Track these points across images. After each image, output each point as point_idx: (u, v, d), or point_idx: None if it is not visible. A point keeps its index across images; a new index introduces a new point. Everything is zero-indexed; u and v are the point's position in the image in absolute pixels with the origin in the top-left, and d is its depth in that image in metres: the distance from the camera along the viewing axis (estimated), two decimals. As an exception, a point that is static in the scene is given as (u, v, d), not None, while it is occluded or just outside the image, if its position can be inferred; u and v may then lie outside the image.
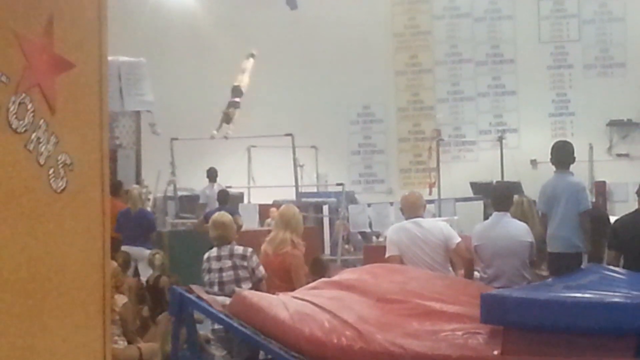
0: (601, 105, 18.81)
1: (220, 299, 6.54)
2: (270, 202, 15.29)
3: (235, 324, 5.91)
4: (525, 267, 7.23)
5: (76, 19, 3.60)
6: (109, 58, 3.90)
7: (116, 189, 12.00)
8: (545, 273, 7.78)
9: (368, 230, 15.07)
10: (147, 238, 11.32)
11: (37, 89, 3.27)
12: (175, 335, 6.83)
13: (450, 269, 7.51)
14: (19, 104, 3.17)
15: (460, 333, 5.27)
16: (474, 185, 16.58)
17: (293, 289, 6.83)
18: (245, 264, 7.19)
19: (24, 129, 3.20)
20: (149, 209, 13.41)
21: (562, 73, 19.71)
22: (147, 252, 10.42)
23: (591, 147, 18.68)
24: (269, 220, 13.69)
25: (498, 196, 7.71)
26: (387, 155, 20.71)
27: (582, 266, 7.27)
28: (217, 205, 13.01)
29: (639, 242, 6.77)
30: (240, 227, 11.14)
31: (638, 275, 5.99)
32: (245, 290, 6.55)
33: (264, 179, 16.97)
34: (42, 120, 3.29)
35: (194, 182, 16.43)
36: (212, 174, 15.16)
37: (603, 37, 19.50)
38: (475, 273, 7.49)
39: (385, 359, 5.07)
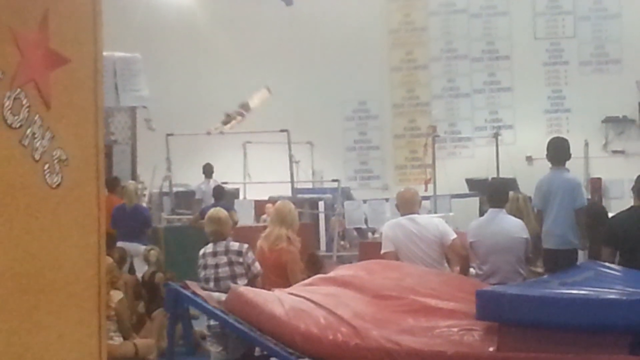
0: (597, 101, 18.80)
1: (216, 295, 6.54)
2: (266, 198, 15.28)
3: (231, 320, 5.92)
4: (521, 264, 7.23)
5: (71, 14, 3.59)
6: (104, 53, 3.89)
7: (113, 185, 11.99)
8: (540, 270, 7.79)
9: (364, 226, 15.05)
10: (142, 234, 11.31)
11: (32, 84, 3.27)
12: (171, 331, 6.84)
13: (446, 265, 7.52)
14: (14, 99, 3.17)
15: (455, 329, 5.28)
16: (469, 182, 16.58)
17: (288, 285, 6.83)
18: (241, 260, 7.19)
19: (19, 124, 3.20)
20: (144, 204, 13.40)
21: (558, 69, 19.71)
22: (143, 248, 10.42)
23: (587, 144, 18.69)
24: (264, 216, 13.69)
25: (493, 192, 7.70)
26: (382, 152, 20.70)
27: (578, 263, 7.29)
28: (212, 201, 13.00)
29: (634, 238, 6.78)
30: (235, 223, 11.14)
31: (633, 272, 6.00)
32: (241, 287, 6.55)
33: (260, 175, 16.96)
34: (37, 116, 3.29)
35: (190, 178, 16.42)
36: (207, 170, 15.16)
37: (599, 33, 19.50)
38: (471, 269, 7.50)
39: (381, 355, 5.07)
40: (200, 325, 8.22)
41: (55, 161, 3.40)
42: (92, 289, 3.67)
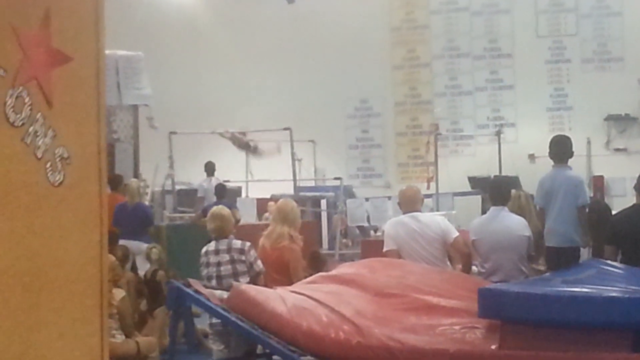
0: (599, 99, 18.78)
1: (218, 293, 6.54)
2: (268, 196, 15.27)
3: (233, 318, 5.92)
4: (523, 262, 7.22)
5: (73, 12, 3.59)
6: (107, 51, 3.89)
7: (116, 183, 12.00)
8: (542, 267, 7.78)
9: (366, 224, 15.04)
10: (144, 232, 11.30)
11: (35, 82, 3.27)
12: (173, 329, 6.85)
13: (448, 263, 7.52)
14: (16, 97, 3.17)
15: (457, 327, 5.28)
16: (471, 180, 16.57)
17: (291, 283, 6.83)
18: (243, 258, 7.19)
19: (21, 122, 3.20)
20: (146, 202, 13.40)
21: (560, 67, 19.68)
22: (145, 246, 10.41)
23: (589, 142, 18.67)
24: (266, 214, 13.68)
25: (495, 190, 7.70)
26: (384, 150, 20.69)
27: (580, 261, 7.28)
28: (214, 199, 12.99)
29: (636, 236, 6.76)
30: (238, 221, 11.14)
31: (635, 269, 5.99)
32: (243, 285, 6.55)
33: (262, 173, 16.95)
34: (39, 114, 3.29)
35: (192, 176, 16.40)
36: (209, 168, 15.16)
37: (601, 31, 19.47)
38: (473, 267, 7.50)
39: (383, 354, 5.07)
40: (203, 323, 8.22)
41: (58, 159, 3.40)
42: (94, 287, 3.67)
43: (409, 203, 7.57)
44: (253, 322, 5.75)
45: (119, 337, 7.41)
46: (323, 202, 16.95)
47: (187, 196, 15.93)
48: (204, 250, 7.37)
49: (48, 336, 3.34)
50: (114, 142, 13.78)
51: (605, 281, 5.35)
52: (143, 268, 10.02)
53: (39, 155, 3.29)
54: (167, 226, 13.34)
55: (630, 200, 7.35)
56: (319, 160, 18.58)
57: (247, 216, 13.84)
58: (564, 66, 19.64)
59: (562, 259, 7.21)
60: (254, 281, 7.09)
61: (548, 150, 7.84)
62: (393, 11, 20.56)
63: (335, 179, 15.69)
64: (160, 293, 8.87)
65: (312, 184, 17.90)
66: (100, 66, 3.75)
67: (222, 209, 7.67)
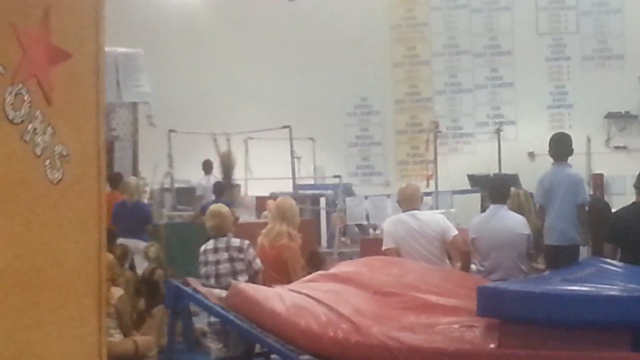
0: (599, 97, 18.76)
1: (217, 291, 6.53)
2: (267, 194, 15.27)
3: (232, 317, 5.91)
4: (522, 260, 7.23)
5: (73, 9, 3.58)
6: (106, 49, 3.88)
7: (116, 181, 11.99)
8: (542, 266, 7.78)
9: (365, 222, 15.04)
10: (143, 230, 11.29)
11: (34, 79, 3.26)
12: (171, 328, 6.84)
13: (447, 261, 7.51)
14: (16, 94, 3.16)
15: (456, 326, 5.27)
16: (471, 178, 16.56)
17: (289, 282, 6.82)
18: (241, 256, 7.18)
19: (21, 119, 3.19)
20: (145, 201, 13.39)
21: (560, 65, 19.66)
22: (143, 244, 10.40)
23: (589, 140, 18.65)
24: (265, 212, 13.68)
25: (495, 188, 7.69)
26: (384, 148, 20.68)
27: (580, 259, 7.28)
28: (213, 197, 12.99)
29: (636, 235, 6.76)
30: (237, 219, 11.13)
31: (635, 268, 5.99)
32: (242, 283, 6.54)
33: (261, 171, 16.94)
34: (38, 111, 3.28)
35: (191, 174, 16.41)
36: (207, 166, 15.16)
37: (601, 29, 19.45)
38: (472, 266, 7.49)
39: (382, 352, 5.06)
40: (201, 322, 8.21)
41: (57, 157, 3.39)
42: (93, 285, 3.66)
43: (409, 201, 7.57)
44: (251, 321, 5.74)
45: (117, 336, 7.39)
46: (322, 200, 16.93)
47: (186, 194, 15.94)
48: (202, 248, 7.36)
49: (46, 335, 3.33)
50: (113, 139, 13.78)
51: (604, 280, 5.35)
52: (142, 267, 10.01)
53: (38, 152, 3.28)
54: (166, 224, 13.34)
55: (630, 199, 7.34)
56: (318, 158, 18.56)
57: (246, 214, 13.85)
58: (564, 64, 19.63)
59: (562, 257, 7.21)
60: (252, 280, 7.08)
61: (548, 148, 7.84)
62: (393, 9, 20.54)
63: (335, 177, 15.68)
64: (158, 292, 8.86)
65: (311, 182, 17.89)
66: (100, 64, 3.75)
67: (220, 207, 7.66)
